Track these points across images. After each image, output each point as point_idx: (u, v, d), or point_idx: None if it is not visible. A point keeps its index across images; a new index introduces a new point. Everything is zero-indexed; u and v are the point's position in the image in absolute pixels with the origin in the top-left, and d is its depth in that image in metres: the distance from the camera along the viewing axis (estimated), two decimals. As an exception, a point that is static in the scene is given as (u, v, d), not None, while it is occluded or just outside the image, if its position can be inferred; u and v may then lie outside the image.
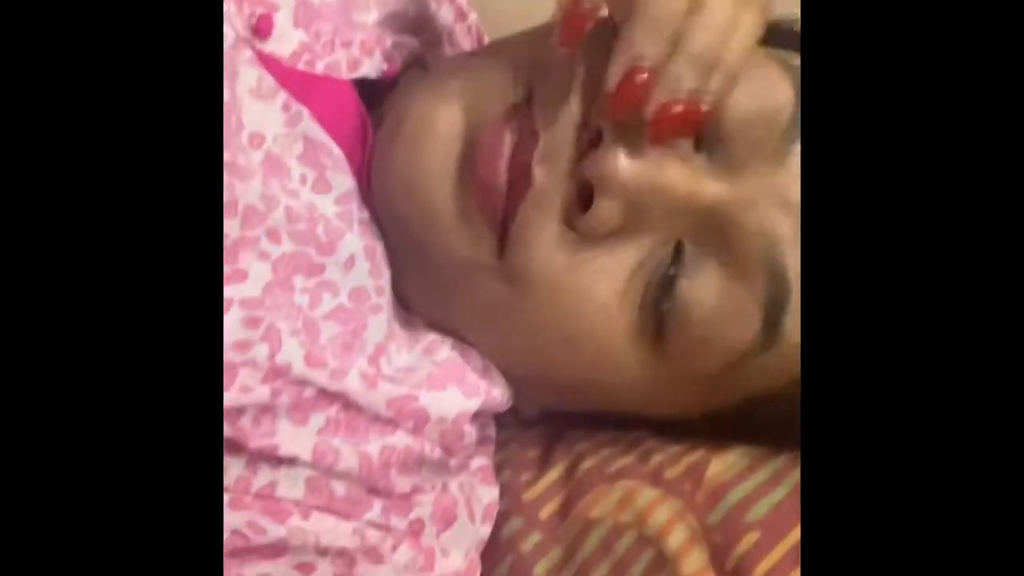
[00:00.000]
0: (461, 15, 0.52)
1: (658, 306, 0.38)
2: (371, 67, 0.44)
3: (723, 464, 0.41)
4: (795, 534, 0.39)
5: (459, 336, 0.42)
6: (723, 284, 0.38)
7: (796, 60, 0.39)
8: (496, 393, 0.41)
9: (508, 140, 0.37)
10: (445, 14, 0.50)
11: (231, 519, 0.35)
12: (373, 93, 0.45)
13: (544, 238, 0.38)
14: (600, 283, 0.38)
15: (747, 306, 0.38)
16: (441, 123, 0.39)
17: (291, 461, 0.36)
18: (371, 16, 0.46)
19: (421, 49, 0.48)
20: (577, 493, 0.42)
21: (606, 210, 0.37)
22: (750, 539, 0.39)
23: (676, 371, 0.40)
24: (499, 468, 0.44)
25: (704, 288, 0.38)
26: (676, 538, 0.40)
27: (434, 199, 0.39)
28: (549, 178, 0.37)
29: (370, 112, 0.44)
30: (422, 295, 0.42)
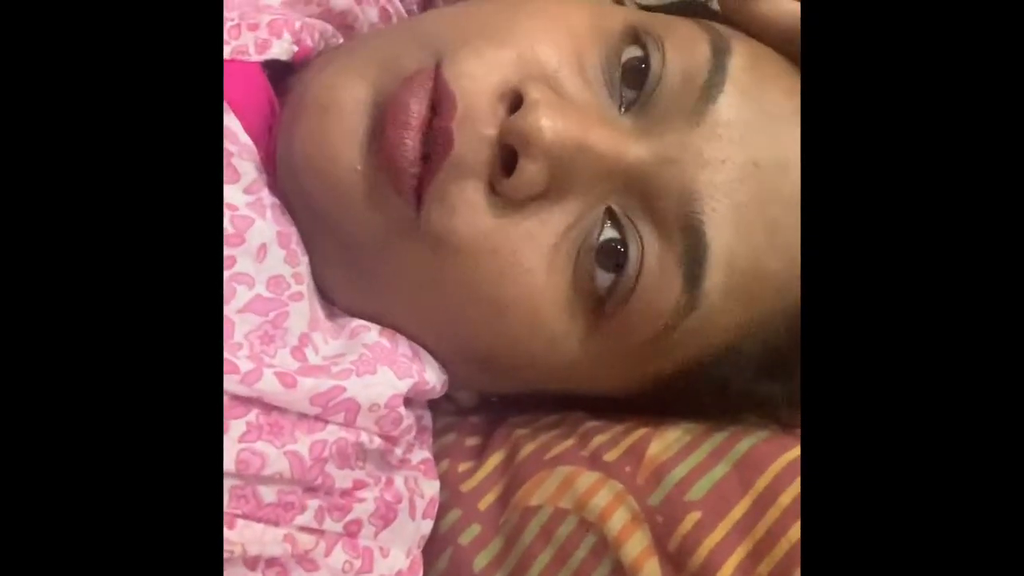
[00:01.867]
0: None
1: (590, 274, 0.38)
2: (280, 49, 0.42)
3: (662, 444, 0.40)
4: (738, 511, 0.38)
5: (385, 321, 0.40)
6: (651, 247, 0.37)
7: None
8: (429, 376, 0.40)
9: (416, 106, 0.36)
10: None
11: None
12: (286, 78, 0.43)
13: (465, 202, 0.37)
14: (526, 248, 0.37)
15: (669, 267, 0.37)
16: (344, 93, 0.38)
17: None
18: None
19: (334, 33, 0.46)
20: (516, 481, 0.41)
21: (530, 172, 0.36)
22: (692, 518, 0.38)
23: (610, 341, 0.39)
24: (437, 458, 0.43)
25: (637, 254, 0.37)
26: (617, 521, 0.39)
27: (342, 173, 0.37)
28: (469, 142, 0.36)
29: (282, 98, 0.42)
30: (342, 281, 0.40)
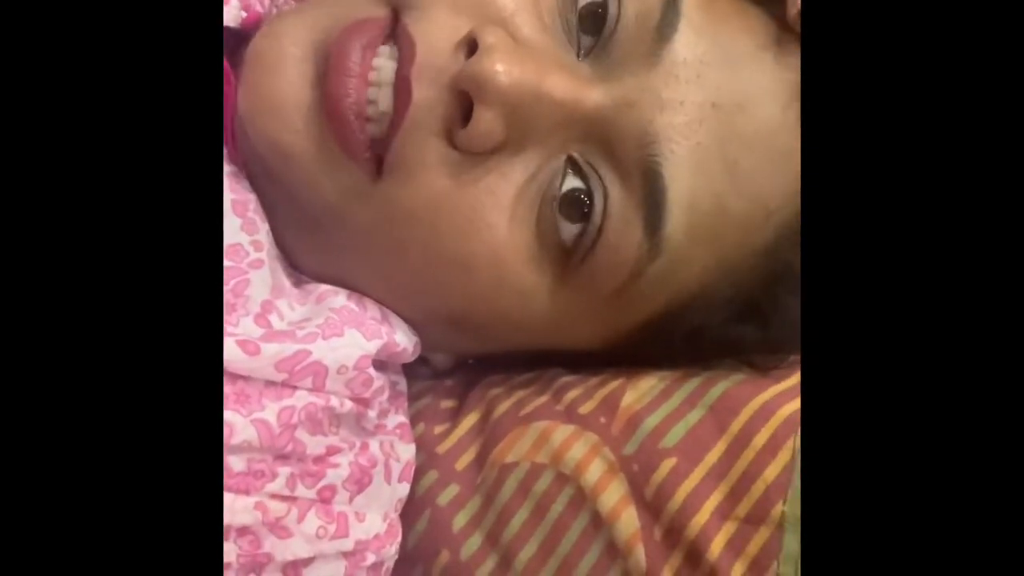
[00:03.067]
0: None
1: (554, 225, 0.37)
2: (229, 15, 0.41)
3: (636, 393, 0.40)
4: (712, 455, 0.38)
5: (351, 286, 0.40)
6: (613, 195, 0.37)
7: None
8: (399, 338, 0.40)
9: (358, 54, 0.35)
10: None
11: None
12: (238, 48, 0.42)
13: (423, 164, 0.36)
14: (487, 204, 0.37)
15: (630, 213, 0.37)
16: (284, 40, 0.37)
17: None
18: None
19: (287, 1, 0.45)
20: (492, 440, 0.41)
21: (487, 121, 0.35)
22: (667, 465, 0.38)
23: (579, 293, 0.39)
24: (413, 422, 0.42)
25: (600, 201, 0.37)
26: (593, 472, 0.39)
27: (286, 134, 0.36)
28: (428, 91, 0.35)
29: (237, 69, 0.42)
30: (305, 246, 0.40)
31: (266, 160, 0.38)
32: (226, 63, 0.41)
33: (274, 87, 0.36)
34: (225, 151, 0.39)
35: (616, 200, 0.37)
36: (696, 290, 0.39)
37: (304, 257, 0.40)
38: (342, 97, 0.35)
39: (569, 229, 0.37)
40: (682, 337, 0.40)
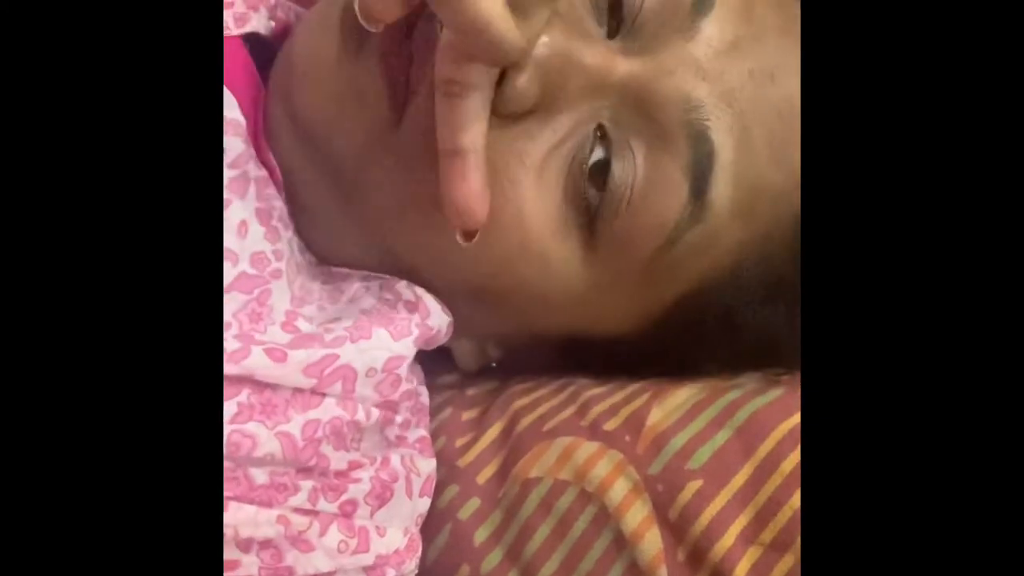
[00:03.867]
0: None
1: (582, 190, 0.37)
2: (259, 23, 0.42)
3: (662, 412, 0.40)
4: (738, 479, 0.37)
5: (379, 255, 0.39)
6: (648, 160, 0.37)
7: None
8: (432, 321, 0.39)
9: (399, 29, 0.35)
10: None
11: None
12: (267, 58, 0.42)
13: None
14: (512, 161, 0.36)
15: (673, 175, 0.37)
16: (332, 5, 0.38)
17: None
18: None
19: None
20: (515, 454, 0.41)
21: (520, 83, 0.35)
22: (693, 486, 0.37)
23: (608, 262, 0.38)
24: (434, 435, 0.42)
25: (630, 170, 0.37)
26: (618, 491, 0.38)
27: (324, 67, 0.37)
28: None
29: (265, 74, 0.41)
30: (335, 216, 0.39)
31: (301, 113, 0.38)
32: (256, 71, 0.41)
33: (321, 37, 0.38)
34: (256, 154, 0.38)
35: (652, 163, 0.37)
36: (729, 266, 0.39)
37: (336, 231, 0.40)
38: (389, 44, 0.36)
39: (596, 195, 0.37)
40: (714, 322, 0.40)
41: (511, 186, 0.36)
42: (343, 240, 0.40)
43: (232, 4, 0.41)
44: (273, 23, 0.42)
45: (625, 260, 0.38)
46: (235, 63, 0.41)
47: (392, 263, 0.40)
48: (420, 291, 0.40)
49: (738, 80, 0.37)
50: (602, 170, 0.37)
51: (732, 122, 0.37)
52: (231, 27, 0.41)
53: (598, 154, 0.37)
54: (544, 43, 0.35)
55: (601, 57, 0.37)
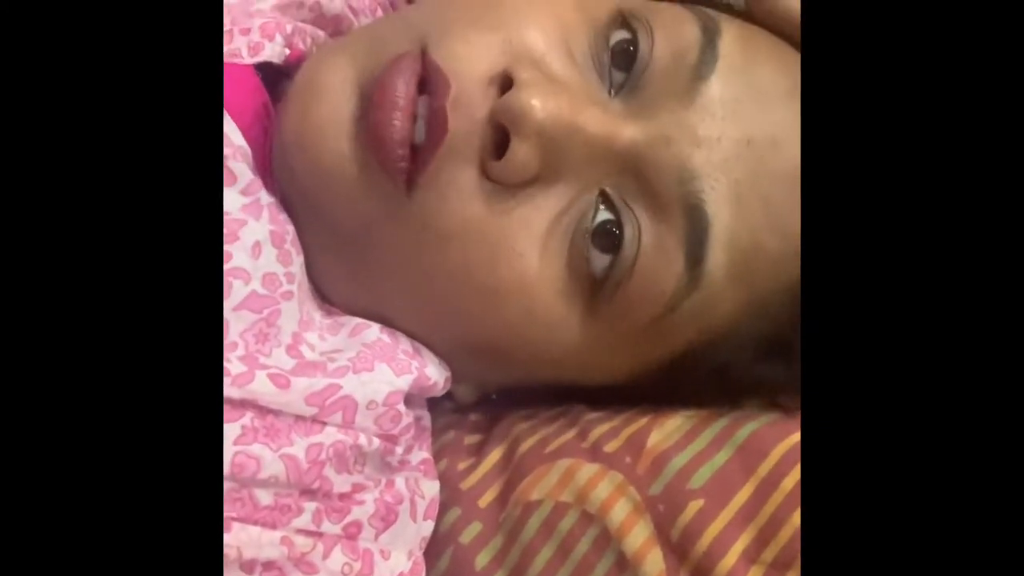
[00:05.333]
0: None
1: (586, 257, 0.37)
2: (273, 52, 0.43)
3: (662, 433, 0.40)
4: (740, 498, 0.37)
5: (381, 314, 0.40)
6: (649, 229, 0.37)
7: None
8: (430, 372, 0.40)
9: (403, 88, 0.36)
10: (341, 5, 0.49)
11: None
12: (280, 83, 0.43)
13: (457, 189, 0.37)
14: (518, 232, 0.37)
15: (670, 247, 0.37)
16: (328, 74, 0.38)
17: None
18: (268, 3, 0.44)
19: (326, 39, 0.47)
20: (516, 477, 0.41)
21: (522, 152, 0.36)
22: (694, 506, 0.37)
23: (609, 326, 0.39)
24: (437, 457, 0.42)
25: (633, 236, 0.37)
26: (619, 512, 0.38)
27: (328, 156, 0.37)
28: (463, 124, 0.36)
29: (277, 103, 0.42)
30: (338, 274, 0.40)
31: (304, 182, 0.38)
32: (268, 97, 0.42)
33: (320, 111, 0.37)
34: (265, 183, 0.39)
35: (652, 233, 0.37)
36: (727, 326, 0.39)
37: (338, 289, 0.41)
38: (387, 127, 0.36)
39: (601, 261, 0.38)
40: (710, 376, 0.40)
41: (517, 257, 0.37)
42: (341, 291, 0.41)
43: (248, 32, 0.42)
44: (288, 51, 0.43)
45: (625, 324, 0.39)
46: (246, 92, 0.41)
47: (392, 320, 0.40)
48: (419, 345, 0.40)
49: (735, 148, 0.37)
50: (607, 235, 0.37)
51: (728, 191, 0.37)
52: (244, 56, 0.42)
53: (602, 216, 0.37)
54: (546, 110, 0.35)
55: (604, 124, 0.37)
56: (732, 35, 0.39)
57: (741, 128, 0.37)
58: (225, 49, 0.42)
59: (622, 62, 0.38)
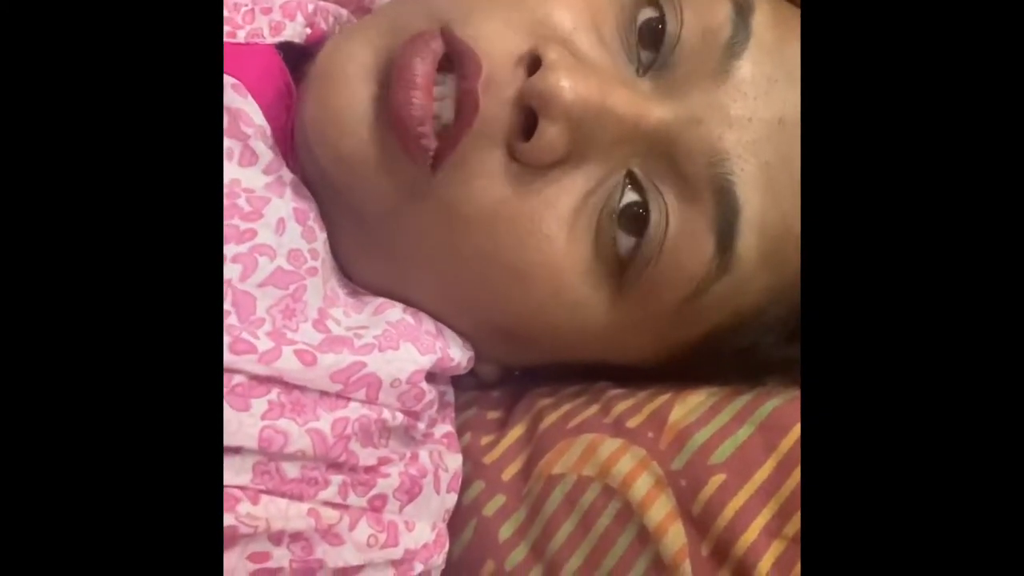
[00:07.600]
0: None
1: (613, 238, 0.37)
2: (294, 31, 0.42)
3: (685, 408, 0.40)
4: (761, 473, 0.38)
5: (405, 294, 0.40)
6: (677, 210, 0.37)
7: None
8: (453, 352, 0.40)
9: (422, 66, 0.36)
10: None
11: None
12: (301, 62, 0.43)
13: (487, 168, 0.36)
14: (545, 214, 0.37)
15: (700, 230, 0.37)
16: (347, 58, 0.37)
17: (236, 450, 0.35)
18: None
19: (349, 18, 0.46)
20: (539, 451, 0.41)
21: (550, 134, 0.36)
22: (716, 481, 0.38)
23: (636, 308, 0.39)
24: (459, 432, 0.43)
25: (660, 218, 0.37)
26: (641, 486, 0.39)
27: (348, 143, 0.37)
28: (493, 105, 0.36)
29: (299, 83, 0.42)
30: (361, 255, 0.41)
31: (327, 169, 0.38)
32: (289, 77, 0.42)
33: (339, 99, 0.37)
34: (286, 162, 0.39)
35: (681, 216, 0.37)
36: (754, 310, 0.39)
37: (361, 269, 0.41)
38: (406, 107, 0.35)
39: (627, 242, 0.37)
40: (734, 356, 0.40)
41: (545, 239, 0.37)
42: (364, 270, 0.41)
43: (269, 11, 0.42)
44: (310, 30, 0.43)
45: (652, 306, 0.39)
46: (268, 72, 0.41)
47: (416, 301, 0.40)
48: (441, 326, 0.40)
49: (767, 129, 0.37)
50: (634, 216, 0.37)
51: (758, 173, 0.37)
52: (266, 36, 0.42)
53: (629, 198, 0.37)
54: (575, 92, 0.35)
55: (634, 105, 0.36)
56: (765, 12, 0.38)
57: (773, 108, 0.37)
58: (247, 28, 0.42)
59: (650, 41, 0.38)
